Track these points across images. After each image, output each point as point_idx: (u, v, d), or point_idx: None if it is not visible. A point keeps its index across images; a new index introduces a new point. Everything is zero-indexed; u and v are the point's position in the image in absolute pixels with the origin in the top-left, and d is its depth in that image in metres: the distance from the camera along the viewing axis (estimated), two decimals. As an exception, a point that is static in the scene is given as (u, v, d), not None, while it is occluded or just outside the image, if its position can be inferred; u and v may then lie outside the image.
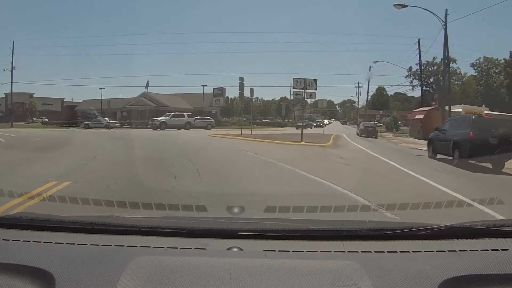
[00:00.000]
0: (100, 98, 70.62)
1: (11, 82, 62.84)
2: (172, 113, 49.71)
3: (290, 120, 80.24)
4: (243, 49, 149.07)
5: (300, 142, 23.30)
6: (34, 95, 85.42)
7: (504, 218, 3.24)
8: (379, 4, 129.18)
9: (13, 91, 79.05)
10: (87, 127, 50.48)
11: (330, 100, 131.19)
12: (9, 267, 1.70)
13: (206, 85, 73.42)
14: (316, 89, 25.50)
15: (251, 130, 33.07)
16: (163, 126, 45.82)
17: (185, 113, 51.23)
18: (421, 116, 37.81)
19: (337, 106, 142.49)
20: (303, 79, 25.03)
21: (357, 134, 39.90)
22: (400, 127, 50.38)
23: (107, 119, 56.07)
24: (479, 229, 2.16)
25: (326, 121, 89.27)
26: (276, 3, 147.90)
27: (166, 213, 4.58)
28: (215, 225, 2.44)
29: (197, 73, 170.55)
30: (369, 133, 37.44)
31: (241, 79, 34.05)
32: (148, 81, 67.26)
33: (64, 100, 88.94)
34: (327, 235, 2.14)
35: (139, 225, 2.23)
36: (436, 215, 4.90)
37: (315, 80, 25.52)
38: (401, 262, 1.80)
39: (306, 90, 24.94)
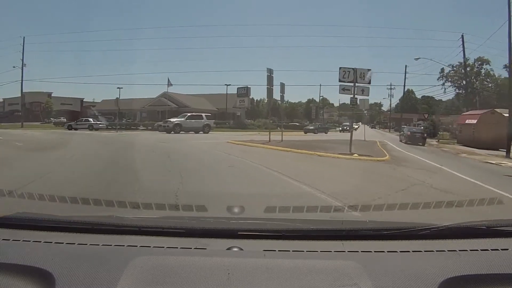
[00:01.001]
0: (118, 97, 67.16)
1: (22, 80, 61.18)
2: (188, 114, 44.03)
3: (318, 124, 75.42)
4: (269, 48, 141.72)
5: (350, 154, 17.16)
6: (52, 95, 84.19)
7: (504, 218, 2.81)
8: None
9: (30, 91, 77.44)
10: (70, 128, 47.34)
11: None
12: (9, 267, 1.70)
13: (229, 84, 69.05)
14: (370, 83, 18.74)
15: (282, 136, 25.83)
16: (177, 128, 40.19)
17: (203, 114, 45.23)
18: (474, 121, 32.70)
19: (364, 109, 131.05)
20: (352, 68, 18.45)
21: (401, 141, 34.80)
22: (440, 132, 46.64)
23: (90, 119, 52.54)
24: (479, 229, 2.15)
25: (355, 125, 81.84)
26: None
27: (166, 213, 4.57)
28: (215, 225, 2.45)
29: (221, 72, 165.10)
30: (416, 140, 32.39)
31: (270, 71, 26.00)
32: (169, 79, 62.13)
33: (84, 100, 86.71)
34: (327, 235, 2.14)
35: (139, 225, 2.24)
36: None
37: (369, 71, 18.95)
38: (401, 262, 1.80)
39: (357, 84, 18.47)
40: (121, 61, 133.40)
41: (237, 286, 1.56)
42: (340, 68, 18.68)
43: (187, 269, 1.66)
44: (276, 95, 26.84)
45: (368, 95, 19.50)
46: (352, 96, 18.86)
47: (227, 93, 68.34)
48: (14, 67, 61.30)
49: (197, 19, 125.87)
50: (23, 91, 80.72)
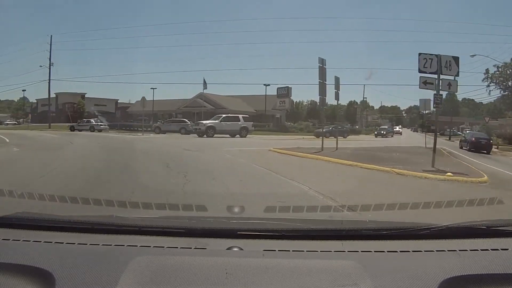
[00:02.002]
0: (152, 99, 64.60)
1: (49, 80, 59.16)
2: (223, 115, 39.39)
3: (356, 127, 73.20)
4: (310, 45, 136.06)
5: (442, 173, 11.97)
6: (86, 95, 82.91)
7: (504, 219, 2.80)
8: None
9: (63, 91, 76.38)
10: (72, 129, 47.06)
11: (396, 105, 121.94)
12: (9, 267, 1.70)
13: (268, 84, 64.84)
14: (457, 74, 14.12)
15: (337, 144, 19.97)
16: (210, 131, 35.77)
17: (240, 116, 40.53)
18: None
19: (403, 112, 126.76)
20: (435, 55, 13.81)
21: (462, 148, 31.63)
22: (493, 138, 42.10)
23: (92, 120, 51.03)
24: (479, 229, 2.15)
25: (398, 129, 76.73)
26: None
27: (166, 213, 4.55)
28: (215, 224, 2.46)
29: (259, 71, 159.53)
30: (480, 147, 29.11)
31: (322, 61, 20.08)
32: (204, 80, 58.88)
33: (119, 101, 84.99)
34: (327, 234, 2.15)
35: (139, 224, 2.24)
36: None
37: (456, 60, 14.24)
38: (401, 262, 1.81)
39: (443, 77, 13.78)
40: (156, 61, 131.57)
41: (237, 286, 1.55)
42: (419, 54, 14.07)
43: (187, 269, 1.66)
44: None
45: (456, 91, 14.84)
46: (436, 92, 14.17)
47: (266, 94, 64.83)
48: (41, 66, 59.96)
49: (233, 14, 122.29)
50: (57, 91, 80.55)
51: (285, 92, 60.96)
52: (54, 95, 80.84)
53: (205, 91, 59.00)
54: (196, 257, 1.81)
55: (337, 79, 22.03)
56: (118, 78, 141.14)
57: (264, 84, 64.07)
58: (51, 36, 61.33)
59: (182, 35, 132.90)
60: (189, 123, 45.17)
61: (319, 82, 20.05)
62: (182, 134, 41.50)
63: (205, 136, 35.01)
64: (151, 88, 65.40)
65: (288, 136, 40.76)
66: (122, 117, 65.33)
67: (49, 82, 60.00)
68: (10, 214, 2.35)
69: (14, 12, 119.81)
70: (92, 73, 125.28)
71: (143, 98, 44.26)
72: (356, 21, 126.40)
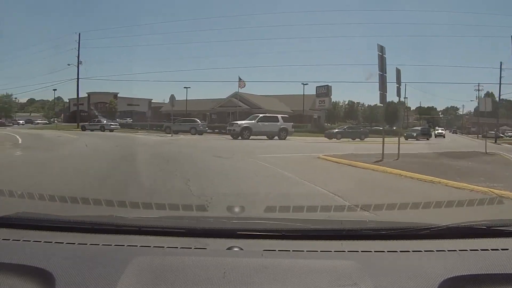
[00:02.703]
0: (185, 98, 62.78)
1: (77, 78, 58.07)
2: (261, 115, 35.69)
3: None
4: (351, 41, 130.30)
5: None
6: (118, 95, 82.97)
7: (504, 218, 2.80)
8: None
9: (96, 91, 75.97)
10: (84, 129, 47.96)
11: (432, 106, 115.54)
12: (9, 267, 1.70)
13: (307, 83, 61.52)
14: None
15: (399, 149, 15.50)
16: (246, 133, 32.56)
17: (279, 116, 36.47)
18: None
19: (440, 113, 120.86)
20: None
21: None
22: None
23: (103, 120, 51.72)
24: (479, 229, 2.16)
25: (441, 130, 70.44)
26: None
27: (166, 212, 4.50)
28: (215, 224, 2.47)
29: (297, 70, 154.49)
30: None
31: (381, 49, 15.93)
32: (240, 78, 56.08)
33: (152, 101, 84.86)
34: (327, 234, 2.15)
35: (139, 224, 2.25)
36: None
37: None
38: (401, 262, 1.81)
39: None
40: (190, 59, 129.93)
41: (237, 286, 1.56)
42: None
43: (187, 269, 1.66)
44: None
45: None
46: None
47: (304, 93, 62.12)
48: (68, 64, 58.77)
49: (270, 9, 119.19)
50: (88, 91, 79.93)
51: (324, 91, 57.31)
52: (86, 95, 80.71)
53: (240, 90, 57.08)
54: (196, 257, 1.81)
55: (398, 72, 17.92)
56: (151, 76, 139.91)
57: (302, 83, 61.24)
58: (79, 34, 59.97)
59: (215, 33, 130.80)
60: (199, 122, 43.73)
61: (379, 74, 15.94)
62: (192, 134, 40.33)
63: (239, 138, 31.68)
64: (184, 87, 63.87)
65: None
66: (155, 117, 63.71)
67: (77, 81, 58.89)
68: (10, 214, 2.34)
69: (45, 9, 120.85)
70: (125, 72, 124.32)
71: (172, 96, 41.01)
72: (396, 16, 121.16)
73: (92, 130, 45.37)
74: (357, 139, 38.83)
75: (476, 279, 1.65)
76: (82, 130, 46.07)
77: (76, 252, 1.87)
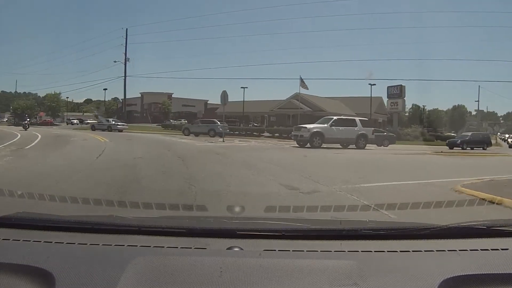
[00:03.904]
0: (242, 99, 58.91)
1: (125, 76, 55.51)
2: (335, 118, 27.86)
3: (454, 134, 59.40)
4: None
5: None
6: (173, 95, 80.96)
7: (504, 218, 2.84)
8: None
9: (151, 91, 74.53)
10: (93, 129, 47.10)
11: (493, 111, 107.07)
12: (9, 267, 1.69)
13: (374, 84, 55.70)
14: None
15: None
16: (316, 140, 25.11)
17: (356, 118, 29.05)
18: None
19: (501, 118, 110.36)
20: None
21: None
22: None
23: (111, 120, 51.11)
24: (479, 229, 2.15)
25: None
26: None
27: (166, 212, 4.51)
28: (215, 224, 2.46)
29: (361, 67, 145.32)
30: None
31: None
32: (301, 78, 51.27)
33: (208, 102, 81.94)
34: (327, 234, 2.14)
35: (139, 224, 2.24)
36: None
37: None
38: (401, 262, 1.80)
39: None
40: (247, 59, 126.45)
41: (237, 286, 1.55)
42: None
43: (187, 269, 1.66)
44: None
45: None
46: None
47: (371, 95, 56.16)
48: (115, 62, 56.21)
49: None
50: (142, 91, 78.06)
51: (397, 91, 51.27)
52: (140, 95, 78.97)
53: (301, 91, 52.35)
54: (196, 257, 1.80)
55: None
56: (206, 73, 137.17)
57: (370, 84, 55.15)
58: (126, 29, 57.62)
59: (275, 31, 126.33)
60: (218, 124, 39.45)
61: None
62: (211, 136, 37.32)
63: (308, 145, 24.95)
64: (241, 87, 60.09)
65: (408, 146, 31.79)
66: (209, 118, 60.61)
67: (124, 79, 57.00)
68: (10, 214, 2.32)
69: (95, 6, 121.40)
70: (179, 73, 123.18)
71: (224, 92, 32.36)
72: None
73: (103, 130, 43.88)
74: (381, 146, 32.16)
75: (476, 279, 1.63)
76: (92, 130, 44.79)
77: (76, 252, 1.85)
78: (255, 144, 29.34)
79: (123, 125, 48.21)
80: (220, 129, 37.85)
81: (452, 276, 1.62)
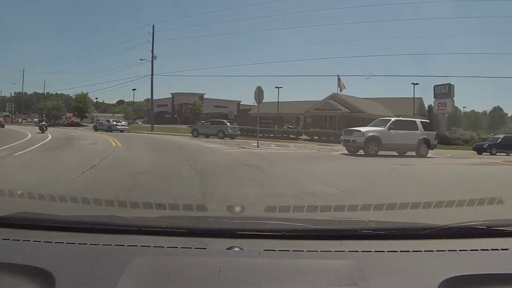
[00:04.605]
0: (277, 100, 55.87)
1: (152, 75, 54.32)
2: (392, 119, 23.04)
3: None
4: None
5: None
6: (205, 96, 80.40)
7: (504, 218, 2.73)
8: None
9: (182, 92, 73.28)
10: (96, 129, 47.34)
11: None
12: (9, 266, 1.69)
13: (417, 83, 51.33)
14: None
15: None
16: (372, 147, 20.50)
17: (417, 120, 24.24)
18: None
19: None
20: None
21: None
22: None
23: (111, 120, 51.33)
24: (479, 229, 2.15)
25: None
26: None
27: (167, 212, 4.48)
28: (215, 224, 2.48)
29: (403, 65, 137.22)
30: None
31: None
32: (339, 78, 47.71)
33: (241, 103, 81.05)
34: (327, 234, 2.15)
35: (139, 224, 2.24)
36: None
37: None
38: (401, 262, 1.81)
39: None
40: (282, 57, 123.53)
41: (237, 286, 1.55)
42: None
43: (187, 269, 1.65)
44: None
45: None
46: None
47: (414, 95, 52.16)
48: (141, 59, 53.83)
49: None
50: (173, 92, 75.86)
51: (445, 90, 45.73)
52: (170, 96, 77.06)
53: (340, 91, 49.24)
54: (196, 257, 1.80)
55: None
56: (238, 70, 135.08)
57: (412, 83, 50.65)
58: (153, 26, 55.43)
59: (311, 30, 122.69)
60: (228, 124, 37.59)
61: None
62: (220, 138, 35.05)
63: (361, 151, 20.62)
64: (276, 87, 57.05)
65: (457, 151, 27.86)
66: (244, 120, 57.92)
67: (151, 78, 54.91)
68: (10, 214, 2.32)
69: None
70: (211, 71, 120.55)
71: (259, 89, 26.26)
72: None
73: (106, 131, 43.83)
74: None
75: (476, 279, 1.63)
76: (95, 131, 44.84)
77: (76, 252, 1.85)
78: (295, 150, 25.05)
79: (123, 125, 48.69)
80: (230, 130, 36.16)
81: (452, 276, 1.62)
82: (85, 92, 71.36)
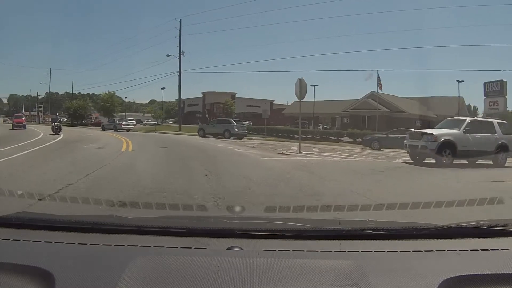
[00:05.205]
0: (313, 98, 52.88)
1: (179, 72, 52.59)
2: (468, 120, 18.22)
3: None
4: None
5: None
6: (237, 95, 77.98)
7: (504, 218, 2.73)
8: None
9: (213, 91, 71.33)
10: (103, 128, 47.27)
11: None
12: (9, 266, 1.70)
13: (462, 80, 47.12)
14: None
15: None
16: (446, 154, 16.00)
17: (494, 121, 18.70)
18: None
19: None
20: None
21: None
22: None
23: (116, 119, 52.16)
24: (479, 229, 2.15)
25: None
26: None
27: (166, 212, 4.48)
28: (215, 224, 2.49)
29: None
30: None
31: None
32: (379, 76, 44.46)
33: (274, 103, 78.44)
34: (328, 234, 2.14)
35: (139, 224, 2.24)
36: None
37: None
38: (401, 262, 1.80)
39: None
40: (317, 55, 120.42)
41: (237, 286, 1.55)
42: None
43: (187, 269, 1.66)
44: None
45: None
46: None
47: (459, 94, 47.43)
48: (168, 55, 52.05)
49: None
50: (205, 91, 73.43)
51: (497, 88, 41.19)
52: (201, 95, 74.94)
53: (379, 90, 47.02)
54: (196, 256, 1.80)
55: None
56: (271, 64, 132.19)
57: (458, 80, 46.16)
58: (180, 20, 52.44)
59: (349, 24, 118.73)
60: (234, 124, 36.10)
61: None
62: (226, 138, 33.72)
63: (432, 159, 16.59)
64: (312, 85, 53.79)
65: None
66: (277, 120, 56.98)
67: (179, 75, 52.21)
68: (10, 214, 2.32)
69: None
70: (243, 67, 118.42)
71: (301, 82, 21.16)
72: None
73: (116, 130, 43.64)
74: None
75: (476, 279, 1.63)
76: (102, 130, 44.75)
77: (76, 252, 1.85)
78: (344, 156, 20.59)
79: (127, 124, 48.28)
80: (236, 129, 34.86)
81: (452, 276, 1.62)
82: (112, 91, 70.14)
